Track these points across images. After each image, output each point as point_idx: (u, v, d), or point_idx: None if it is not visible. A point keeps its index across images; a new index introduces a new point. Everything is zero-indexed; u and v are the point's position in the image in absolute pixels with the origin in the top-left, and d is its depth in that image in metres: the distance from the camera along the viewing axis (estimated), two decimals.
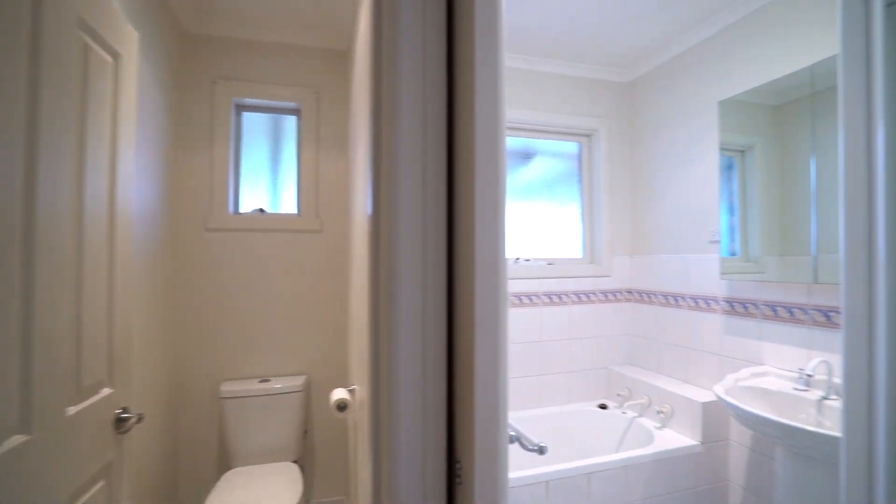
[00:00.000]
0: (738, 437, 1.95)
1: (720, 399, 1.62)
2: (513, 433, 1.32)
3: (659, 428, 2.12)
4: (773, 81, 1.79)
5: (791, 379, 1.72)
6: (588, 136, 2.68)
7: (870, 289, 0.86)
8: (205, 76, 2.08)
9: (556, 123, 2.54)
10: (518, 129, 2.56)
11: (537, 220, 2.59)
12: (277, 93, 2.17)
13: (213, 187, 2.09)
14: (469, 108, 0.64)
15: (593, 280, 2.57)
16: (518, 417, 2.36)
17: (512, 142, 2.57)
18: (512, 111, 2.45)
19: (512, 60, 2.43)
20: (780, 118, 1.82)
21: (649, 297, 2.49)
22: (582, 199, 2.67)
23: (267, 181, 2.31)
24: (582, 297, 2.54)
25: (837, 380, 1.56)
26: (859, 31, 0.92)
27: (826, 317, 1.64)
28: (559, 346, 2.49)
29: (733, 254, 1.98)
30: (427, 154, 0.69)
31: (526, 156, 2.60)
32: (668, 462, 1.90)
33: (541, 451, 1.35)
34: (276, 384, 2.03)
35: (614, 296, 2.61)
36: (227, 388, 1.97)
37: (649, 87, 2.52)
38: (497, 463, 0.63)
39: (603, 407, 2.44)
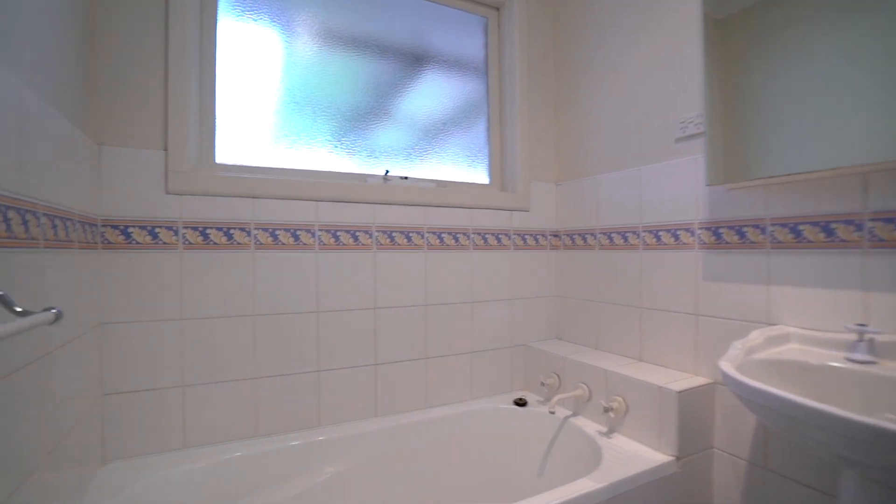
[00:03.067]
0: (727, 442, 1.22)
1: (736, 382, 0.83)
2: None
3: (607, 434, 1.34)
4: None
5: (832, 344, 0.99)
6: (497, 8, 1.82)
7: None
8: None
9: None
10: None
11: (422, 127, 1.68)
12: None
13: None
14: None
15: (506, 216, 1.72)
16: (390, 428, 1.45)
17: (398, 26, 1.62)
18: None
19: None
20: None
21: (585, 238, 1.70)
22: (488, 104, 1.81)
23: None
24: (489, 238, 1.69)
25: None
26: None
27: None
28: (456, 314, 1.62)
29: None
30: None
31: (416, 60, 1.66)
32: (627, 498, 1.10)
33: None
34: None
35: (535, 239, 1.79)
36: None
37: None
38: None
39: (521, 403, 1.62)
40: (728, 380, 0.86)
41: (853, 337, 0.94)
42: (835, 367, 0.92)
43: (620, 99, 1.56)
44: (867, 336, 0.92)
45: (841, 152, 0.97)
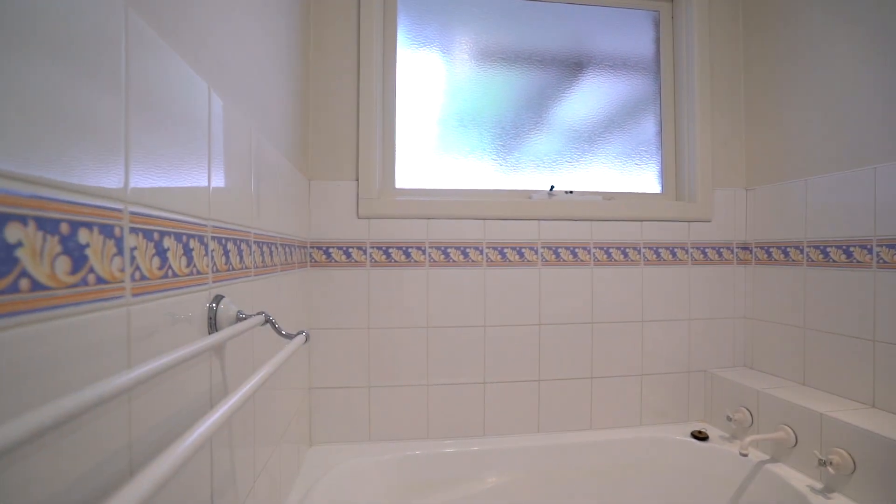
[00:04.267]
0: None
1: None
2: None
3: (822, 492, 1.11)
4: None
5: None
6: None
7: None
8: None
9: None
10: None
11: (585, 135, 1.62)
12: None
13: None
14: None
15: (682, 228, 1.55)
16: (553, 445, 1.43)
17: (557, 35, 1.59)
18: None
19: None
20: None
21: (786, 252, 1.44)
22: (660, 104, 1.66)
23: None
24: (662, 252, 1.54)
25: None
26: None
27: None
28: (624, 333, 1.52)
29: None
30: None
31: (577, 66, 1.61)
32: None
33: None
34: None
35: (719, 253, 1.58)
36: None
37: None
38: None
39: (701, 437, 1.45)
40: None
41: None
42: None
43: (841, 83, 1.28)
44: None
45: None
